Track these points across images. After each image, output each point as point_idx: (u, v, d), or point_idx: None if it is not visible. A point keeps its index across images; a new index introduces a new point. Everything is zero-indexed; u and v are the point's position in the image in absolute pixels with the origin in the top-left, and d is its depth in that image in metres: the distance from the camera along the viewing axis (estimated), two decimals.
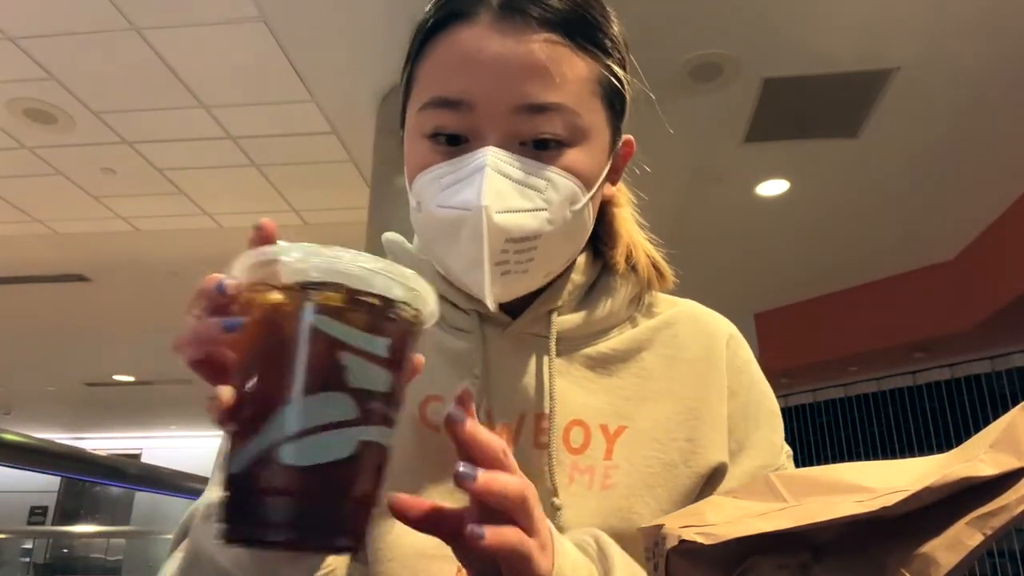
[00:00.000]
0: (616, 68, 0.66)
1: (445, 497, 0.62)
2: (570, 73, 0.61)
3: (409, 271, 0.44)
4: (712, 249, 4.94)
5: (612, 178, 0.71)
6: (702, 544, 0.45)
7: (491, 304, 0.62)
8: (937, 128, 3.61)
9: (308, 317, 0.41)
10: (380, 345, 0.42)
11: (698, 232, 4.71)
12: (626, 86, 0.67)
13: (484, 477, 0.46)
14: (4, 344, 7.16)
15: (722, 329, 0.75)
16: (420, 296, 0.45)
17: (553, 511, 0.62)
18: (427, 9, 0.65)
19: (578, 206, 0.63)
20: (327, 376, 0.41)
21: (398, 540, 0.62)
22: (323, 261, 0.42)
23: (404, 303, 0.43)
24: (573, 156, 0.63)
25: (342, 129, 3.69)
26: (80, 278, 5.65)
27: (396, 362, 0.43)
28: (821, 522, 0.44)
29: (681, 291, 0.83)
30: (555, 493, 0.62)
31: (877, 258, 5.21)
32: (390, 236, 0.77)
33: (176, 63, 3.23)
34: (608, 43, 0.65)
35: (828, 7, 2.88)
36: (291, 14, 2.93)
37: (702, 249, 4.90)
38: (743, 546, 0.45)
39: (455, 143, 0.62)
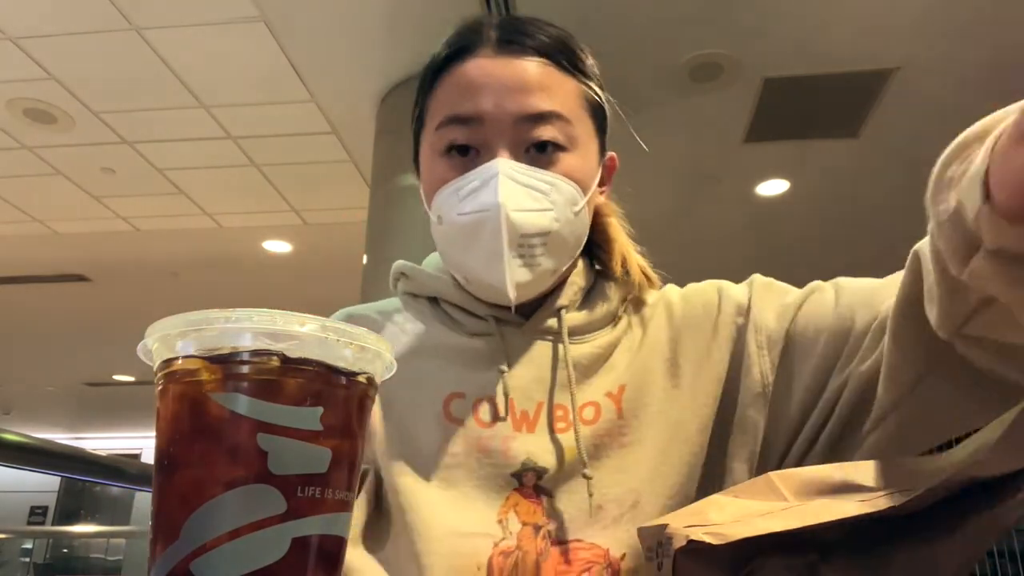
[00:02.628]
0: (597, 89, 0.76)
1: (473, 485, 0.69)
2: (560, 88, 0.72)
3: (360, 329, 0.38)
4: (712, 249, 4.94)
5: (599, 190, 0.79)
6: (711, 544, 0.45)
7: (512, 293, 0.68)
8: (937, 128, 3.60)
9: (221, 395, 0.35)
10: (311, 418, 0.35)
11: (698, 232, 4.71)
12: (605, 106, 0.77)
13: None
14: (4, 344, 7.16)
15: (708, 292, 0.80)
16: (372, 353, 0.39)
17: (585, 482, 0.68)
18: (435, 52, 0.75)
19: (578, 207, 0.71)
20: (246, 465, 0.34)
21: (432, 520, 0.68)
22: (257, 324, 0.35)
23: (352, 370, 0.37)
24: (570, 161, 0.71)
25: (342, 129, 3.69)
26: (80, 278, 5.65)
27: (340, 432, 0.37)
28: (828, 522, 0.44)
29: None
30: (585, 465, 0.69)
31: (877, 258, 5.21)
32: (401, 263, 0.84)
33: (176, 63, 3.22)
34: (588, 70, 0.76)
35: (828, 7, 2.88)
36: (291, 14, 2.93)
37: (702, 249, 4.90)
38: (750, 546, 0.45)
39: (466, 154, 0.71)
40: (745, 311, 0.75)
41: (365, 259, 3.17)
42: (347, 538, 0.38)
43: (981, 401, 0.53)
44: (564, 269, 0.74)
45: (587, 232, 0.75)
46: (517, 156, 0.70)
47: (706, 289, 0.80)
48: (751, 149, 3.84)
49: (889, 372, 0.60)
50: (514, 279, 0.68)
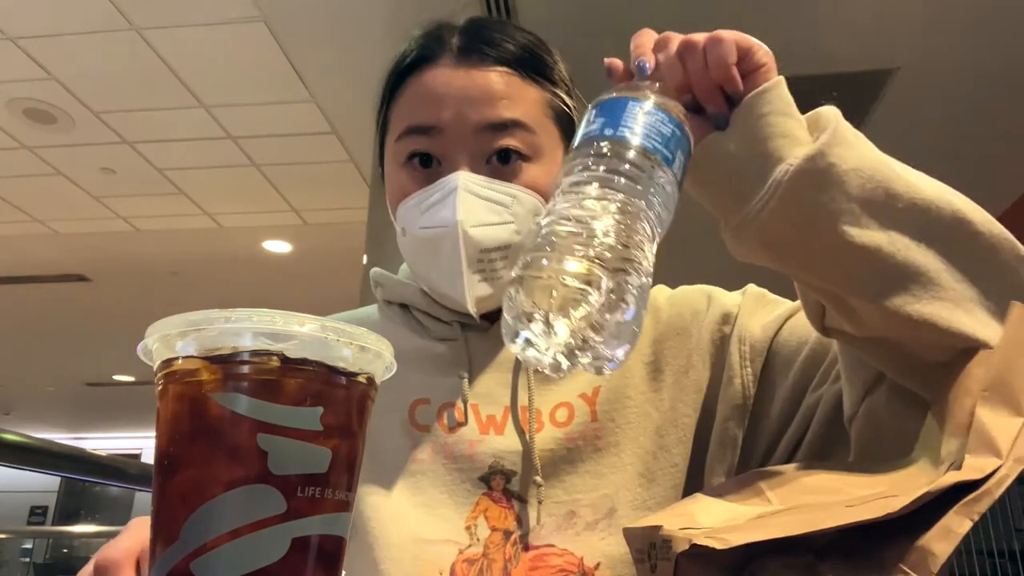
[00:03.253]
0: (564, 96, 0.75)
1: (445, 490, 0.68)
2: (523, 96, 0.71)
3: (360, 329, 0.38)
4: (712, 249, 4.93)
5: None
6: (713, 548, 0.45)
7: (472, 309, 0.68)
8: (937, 128, 3.60)
9: (221, 395, 0.35)
10: (311, 418, 0.35)
11: (697, 232, 4.70)
12: (575, 113, 0.76)
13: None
14: (4, 344, 7.16)
15: (696, 298, 0.79)
16: (372, 353, 0.39)
17: (535, 488, 0.68)
18: (395, 59, 0.75)
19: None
20: (246, 465, 0.34)
21: (392, 527, 0.67)
22: (258, 324, 0.35)
23: (352, 370, 0.37)
24: (533, 172, 0.70)
25: (342, 129, 3.69)
26: (80, 278, 5.65)
27: (340, 432, 0.37)
28: (828, 528, 0.44)
29: None
30: (538, 472, 0.68)
31: None
32: (376, 271, 0.84)
33: (176, 63, 3.22)
34: (555, 76, 0.74)
35: (828, 7, 2.88)
36: (291, 14, 2.93)
37: (702, 249, 4.89)
38: (747, 548, 0.45)
39: (428, 165, 0.71)
40: (732, 320, 0.73)
41: (365, 259, 3.17)
42: (347, 538, 0.38)
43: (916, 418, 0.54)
44: None
45: None
46: (478, 167, 0.69)
47: (695, 295, 0.78)
48: None
49: (845, 388, 0.60)
50: (474, 294, 0.67)
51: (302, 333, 0.36)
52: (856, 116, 3.57)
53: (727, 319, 0.73)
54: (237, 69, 3.27)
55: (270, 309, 0.36)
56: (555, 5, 2.82)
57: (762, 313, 0.73)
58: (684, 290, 0.80)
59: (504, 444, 0.70)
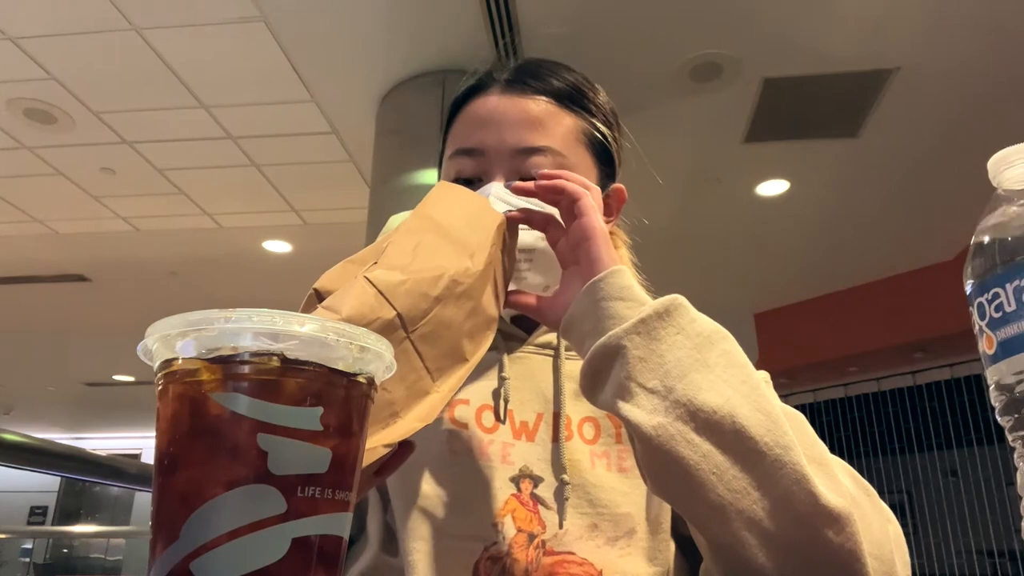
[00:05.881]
0: (600, 126, 0.82)
1: (477, 486, 0.71)
2: (557, 125, 0.78)
3: (361, 330, 0.39)
4: (712, 249, 4.94)
5: (606, 220, 0.83)
6: None
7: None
8: (937, 128, 3.60)
9: (221, 395, 0.35)
10: (311, 418, 0.35)
11: (698, 232, 4.71)
12: (611, 142, 0.83)
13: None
14: (4, 344, 7.16)
15: None
16: (372, 353, 0.39)
17: (562, 487, 0.72)
18: (457, 90, 0.84)
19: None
20: (246, 465, 0.34)
21: (422, 520, 0.69)
22: (258, 324, 0.35)
23: (352, 370, 0.37)
24: None
25: (342, 129, 3.69)
26: (80, 278, 5.65)
27: (340, 432, 0.37)
28: None
29: (681, 291, 0.84)
30: (565, 471, 0.73)
31: (877, 258, 5.21)
32: None
33: (176, 63, 3.22)
34: (592, 107, 0.82)
35: (828, 7, 2.88)
36: (291, 14, 2.93)
37: (702, 249, 4.90)
38: None
39: (470, 184, 0.77)
40: None
41: None
42: (347, 538, 0.38)
43: None
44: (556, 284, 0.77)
45: None
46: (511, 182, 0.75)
47: None
48: (751, 149, 3.84)
49: None
50: None
51: (302, 333, 0.36)
52: (856, 116, 3.57)
53: None
54: (237, 69, 3.27)
55: (270, 309, 0.36)
56: (554, 3, 2.82)
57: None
58: None
59: (535, 450, 0.74)
